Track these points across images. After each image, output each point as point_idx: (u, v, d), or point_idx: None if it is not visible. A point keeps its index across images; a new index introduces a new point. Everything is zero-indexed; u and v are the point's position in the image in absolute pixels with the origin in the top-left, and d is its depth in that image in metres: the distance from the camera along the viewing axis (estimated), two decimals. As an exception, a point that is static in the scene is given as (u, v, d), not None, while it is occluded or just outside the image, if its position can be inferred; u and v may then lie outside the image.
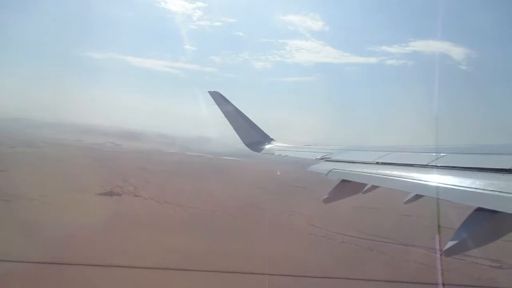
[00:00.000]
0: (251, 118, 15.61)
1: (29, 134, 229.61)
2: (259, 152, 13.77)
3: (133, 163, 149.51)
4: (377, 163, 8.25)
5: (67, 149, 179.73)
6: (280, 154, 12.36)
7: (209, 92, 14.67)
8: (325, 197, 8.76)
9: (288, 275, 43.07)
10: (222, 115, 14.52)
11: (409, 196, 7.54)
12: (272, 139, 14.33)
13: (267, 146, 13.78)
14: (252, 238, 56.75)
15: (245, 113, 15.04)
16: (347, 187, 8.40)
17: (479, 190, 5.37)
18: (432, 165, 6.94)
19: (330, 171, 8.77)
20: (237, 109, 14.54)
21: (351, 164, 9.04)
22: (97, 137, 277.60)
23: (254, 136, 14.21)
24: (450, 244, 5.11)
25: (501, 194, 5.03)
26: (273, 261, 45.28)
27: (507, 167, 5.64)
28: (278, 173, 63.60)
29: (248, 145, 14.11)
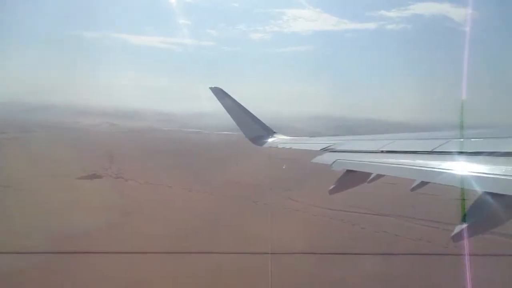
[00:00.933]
0: (251, 109, 15.69)
1: (24, 119, 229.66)
2: (262, 145, 13.83)
3: (126, 143, 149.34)
4: (382, 151, 8.23)
5: (61, 132, 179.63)
6: (283, 147, 12.39)
7: (210, 88, 14.99)
8: (331, 187, 8.63)
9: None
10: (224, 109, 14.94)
11: (415, 183, 7.50)
12: (274, 132, 14.42)
13: (270, 140, 13.85)
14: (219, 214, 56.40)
15: (246, 104, 15.30)
16: (352, 177, 8.33)
17: (485, 175, 5.44)
18: (437, 151, 6.95)
19: (334, 162, 8.69)
20: (238, 103, 14.67)
21: (355, 154, 9.01)
22: (93, 118, 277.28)
23: (256, 130, 14.31)
24: (457, 229, 5.10)
25: (507, 177, 5.10)
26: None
27: None
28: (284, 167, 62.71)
29: (251, 139, 14.14)
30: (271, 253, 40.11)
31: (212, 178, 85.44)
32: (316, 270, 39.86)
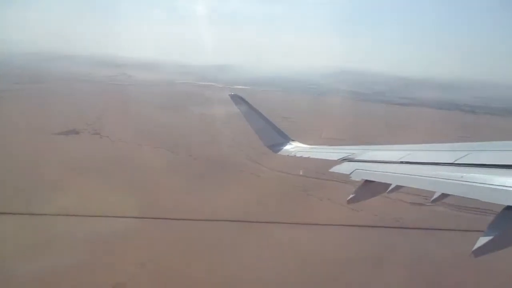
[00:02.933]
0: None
1: (42, 69, 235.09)
2: (280, 153, 13.84)
3: (129, 97, 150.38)
4: (401, 162, 8.15)
5: (71, 83, 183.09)
6: (301, 156, 12.41)
7: (229, 95, 15.29)
8: (349, 197, 8.54)
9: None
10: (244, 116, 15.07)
11: (436, 195, 7.54)
12: (292, 140, 14.38)
13: (287, 147, 13.87)
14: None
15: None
16: (371, 187, 8.26)
17: (508, 188, 5.33)
18: (459, 163, 6.86)
19: (353, 171, 8.70)
20: (257, 110, 14.71)
21: (374, 164, 8.91)
22: (110, 69, 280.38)
23: (274, 137, 14.32)
24: (479, 243, 5.03)
25: None
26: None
27: None
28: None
29: (269, 146, 14.20)
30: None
31: (190, 138, 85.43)
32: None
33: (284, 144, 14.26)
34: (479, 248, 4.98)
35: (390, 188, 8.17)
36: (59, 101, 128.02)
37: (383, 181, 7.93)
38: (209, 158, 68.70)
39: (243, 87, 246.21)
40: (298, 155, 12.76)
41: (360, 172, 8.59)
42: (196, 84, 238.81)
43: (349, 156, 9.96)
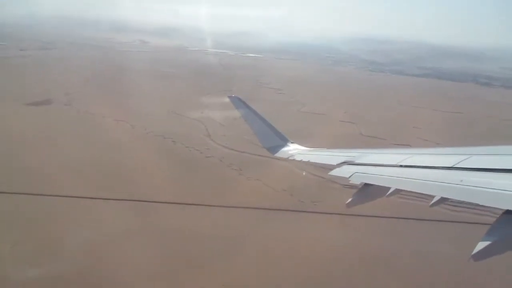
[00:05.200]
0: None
1: (60, 34, 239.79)
2: (279, 155, 14.08)
3: (126, 65, 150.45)
4: (401, 166, 8.19)
5: (79, 50, 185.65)
6: (301, 160, 12.45)
7: (228, 96, 15.42)
8: (348, 201, 8.64)
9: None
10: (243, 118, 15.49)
11: (435, 199, 7.42)
12: (291, 142, 14.53)
13: (286, 149, 14.02)
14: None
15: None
16: (370, 190, 8.35)
17: (507, 192, 5.34)
18: (457, 167, 6.87)
19: (352, 174, 8.75)
20: (256, 112, 14.89)
21: (373, 167, 8.96)
22: (129, 34, 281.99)
23: (274, 139, 14.50)
24: (479, 247, 5.03)
25: None
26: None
27: None
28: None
29: (267, 148, 14.46)
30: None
31: (160, 110, 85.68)
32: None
33: (282, 146, 14.34)
34: (479, 252, 4.92)
35: (389, 191, 8.10)
36: (53, 69, 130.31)
37: (382, 185, 7.96)
38: (164, 134, 68.50)
39: (255, 55, 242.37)
40: (297, 158, 12.78)
41: (359, 175, 8.64)
42: (207, 51, 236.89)
43: (349, 160, 9.94)
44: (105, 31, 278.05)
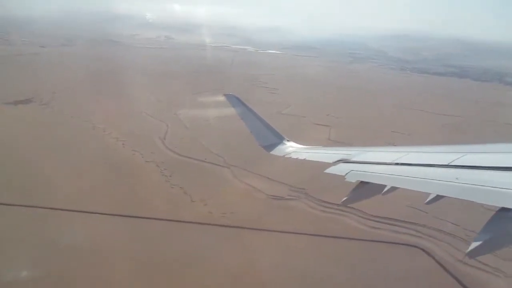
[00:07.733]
0: None
1: (87, 30, 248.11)
2: (275, 154, 14.29)
3: (135, 62, 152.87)
4: (397, 164, 8.32)
5: (99, 46, 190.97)
6: (297, 158, 12.64)
7: (225, 95, 15.53)
8: (344, 199, 8.85)
9: None
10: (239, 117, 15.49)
11: (430, 197, 7.41)
12: (287, 140, 14.92)
13: (282, 147, 14.29)
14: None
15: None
16: (366, 188, 8.47)
17: (502, 190, 5.44)
18: (453, 165, 6.99)
19: (348, 172, 8.79)
20: (252, 111, 15.11)
21: (369, 165, 9.04)
22: (156, 31, 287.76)
23: (269, 137, 14.82)
24: (473, 245, 5.14)
25: None
26: None
27: None
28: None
29: (264, 147, 14.76)
30: None
31: (138, 110, 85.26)
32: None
33: (278, 144, 14.40)
34: (474, 250, 4.93)
35: (385, 189, 8.04)
36: (59, 66, 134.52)
37: (378, 183, 7.99)
38: (120, 136, 67.63)
39: (275, 51, 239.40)
40: (293, 156, 12.78)
41: (355, 173, 8.62)
42: (228, 48, 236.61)
43: (345, 158, 9.92)
44: (133, 28, 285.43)
